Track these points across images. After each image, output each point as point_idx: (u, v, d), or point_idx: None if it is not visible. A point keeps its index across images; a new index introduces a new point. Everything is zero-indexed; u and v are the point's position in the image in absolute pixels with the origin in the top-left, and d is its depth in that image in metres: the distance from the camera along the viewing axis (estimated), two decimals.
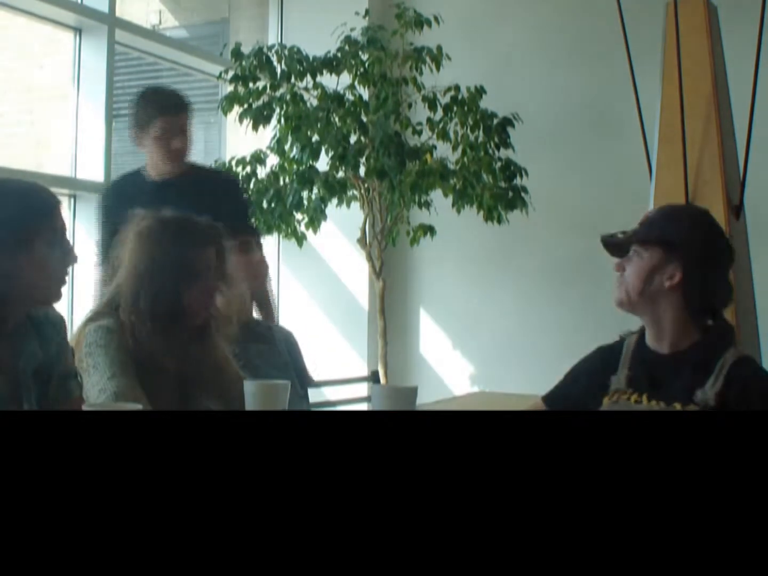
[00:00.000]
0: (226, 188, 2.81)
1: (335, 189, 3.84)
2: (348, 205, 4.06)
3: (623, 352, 1.77)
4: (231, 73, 3.92)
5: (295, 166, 3.88)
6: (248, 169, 3.97)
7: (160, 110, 2.62)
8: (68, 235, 1.58)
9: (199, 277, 1.81)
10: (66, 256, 1.53)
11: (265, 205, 3.87)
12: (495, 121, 3.92)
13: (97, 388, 1.70)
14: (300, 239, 3.99)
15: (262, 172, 4.00)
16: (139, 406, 1.41)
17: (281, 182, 3.95)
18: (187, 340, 1.84)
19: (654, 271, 1.68)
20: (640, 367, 1.73)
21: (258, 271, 2.49)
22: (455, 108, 3.93)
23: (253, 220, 3.07)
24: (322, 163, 3.86)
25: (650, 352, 1.73)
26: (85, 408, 1.43)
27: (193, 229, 1.84)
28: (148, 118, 2.61)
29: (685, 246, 1.67)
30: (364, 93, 4.00)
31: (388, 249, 4.22)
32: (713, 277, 1.70)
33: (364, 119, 3.88)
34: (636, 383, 1.71)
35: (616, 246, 1.75)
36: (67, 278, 1.56)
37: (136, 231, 1.83)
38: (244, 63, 3.88)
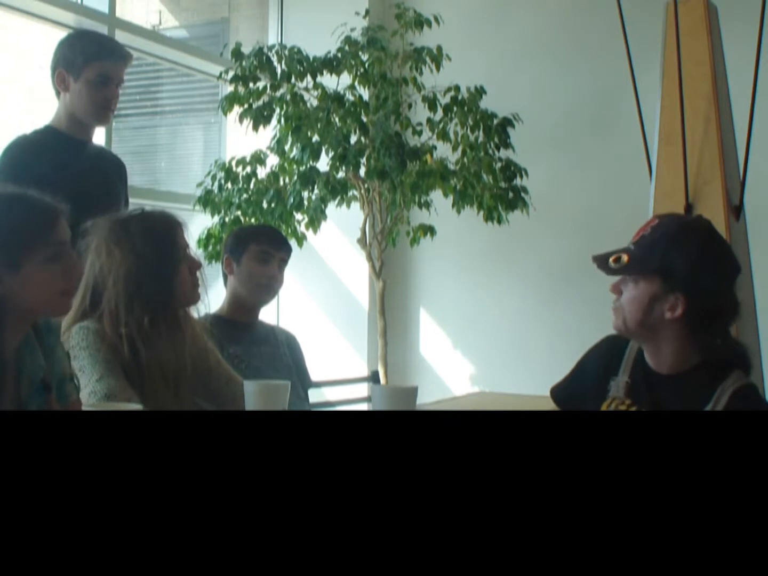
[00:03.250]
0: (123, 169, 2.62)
1: (336, 189, 3.83)
2: (348, 206, 4.06)
3: (626, 353, 1.70)
4: (231, 74, 3.91)
5: (295, 167, 3.88)
6: (248, 169, 3.97)
7: (99, 53, 2.39)
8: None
9: (185, 265, 1.85)
10: (71, 270, 1.49)
11: (265, 205, 3.87)
12: (495, 122, 3.91)
13: (87, 391, 1.68)
14: (300, 239, 3.99)
15: (262, 173, 4.00)
16: (139, 406, 1.41)
17: (281, 182, 3.94)
18: (178, 337, 1.84)
19: (653, 301, 1.58)
20: (639, 377, 1.66)
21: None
22: (455, 108, 3.93)
23: None
24: (323, 164, 3.85)
25: (649, 368, 1.66)
26: (85, 408, 1.43)
27: (174, 222, 1.88)
28: (84, 59, 2.37)
29: (688, 274, 1.56)
30: (365, 93, 4.00)
31: (388, 249, 4.22)
32: (719, 299, 1.59)
33: (365, 119, 3.87)
34: (634, 394, 1.65)
35: (609, 272, 1.63)
36: (72, 290, 1.54)
37: (115, 228, 1.84)
38: (244, 63, 3.87)
